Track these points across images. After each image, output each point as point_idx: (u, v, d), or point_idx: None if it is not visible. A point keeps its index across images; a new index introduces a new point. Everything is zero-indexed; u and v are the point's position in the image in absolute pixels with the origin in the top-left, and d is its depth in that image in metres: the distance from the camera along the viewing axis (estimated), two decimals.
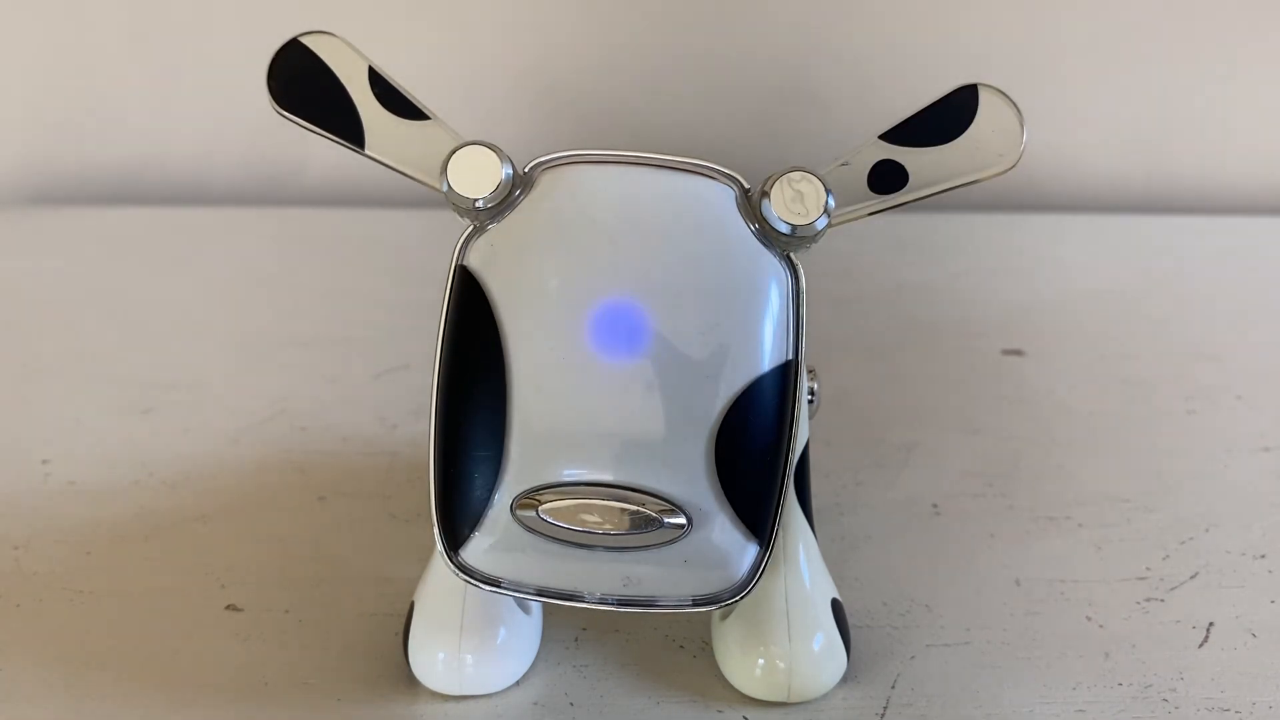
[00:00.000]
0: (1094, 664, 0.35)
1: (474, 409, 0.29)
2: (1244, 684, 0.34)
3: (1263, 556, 0.40)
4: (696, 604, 0.30)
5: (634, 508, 0.28)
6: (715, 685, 0.34)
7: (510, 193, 0.29)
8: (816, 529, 0.35)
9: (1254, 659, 0.35)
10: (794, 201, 0.28)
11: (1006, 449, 0.47)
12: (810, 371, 0.33)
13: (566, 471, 0.28)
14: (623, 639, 0.36)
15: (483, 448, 0.29)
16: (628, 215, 0.28)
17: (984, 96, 0.30)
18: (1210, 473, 0.45)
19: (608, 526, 0.28)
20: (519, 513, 0.29)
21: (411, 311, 0.58)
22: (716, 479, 0.29)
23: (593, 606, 0.30)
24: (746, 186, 0.29)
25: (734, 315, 0.28)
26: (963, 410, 0.50)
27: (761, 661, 0.32)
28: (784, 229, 0.28)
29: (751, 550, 0.30)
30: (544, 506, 0.28)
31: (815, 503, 0.35)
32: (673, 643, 0.35)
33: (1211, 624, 0.36)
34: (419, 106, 0.30)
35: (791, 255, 0.29)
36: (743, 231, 0.29)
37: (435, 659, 0.33)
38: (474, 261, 0.29)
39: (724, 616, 0.34)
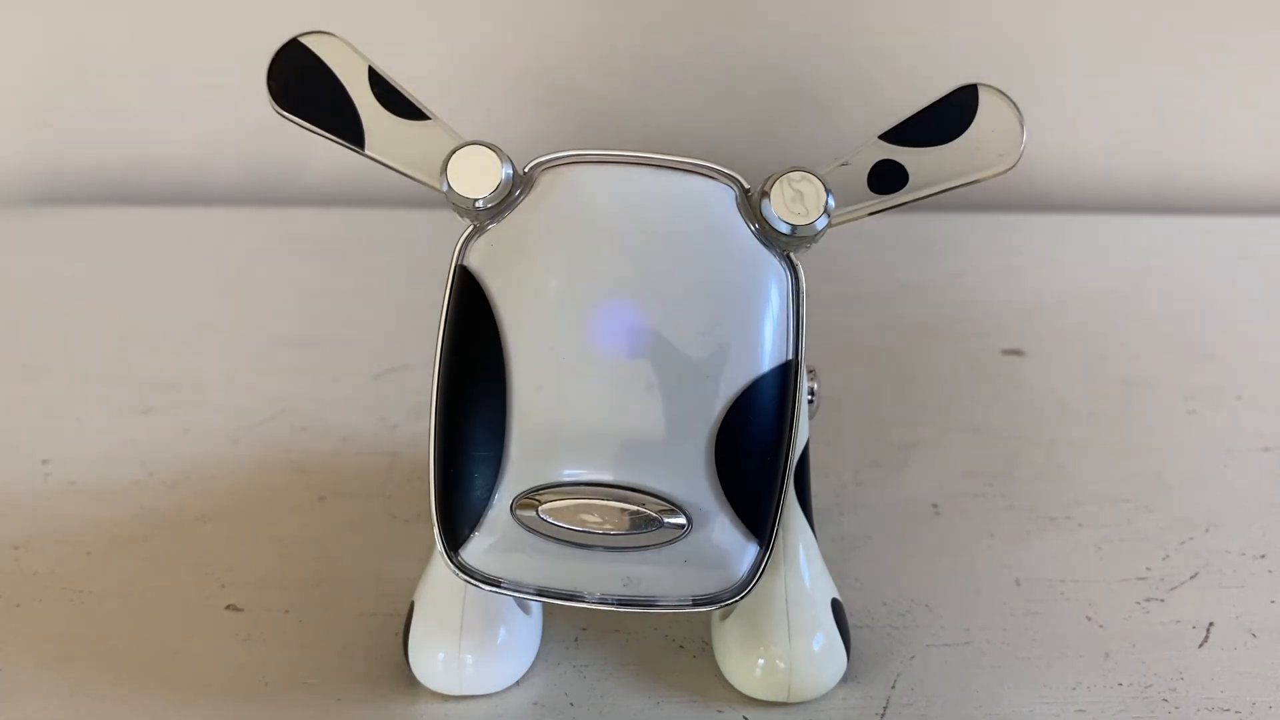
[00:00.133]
0: (1094, 664, 0.35)
1: (474, 409, 0.29)
2: (1244, 684, 0.34)
3: (1263, 556, 0.40)
4: (696, 604, 0.30)
5: (634, 508, 0.28)
6: (715, 685, 0.34)
7: (510, 193, 0.29)
8: (816, 529, 0.35)
9: (1254, 659, 0.35)
10: (794, 201, 0.28)
11: (1006, 449, 0.47)
12: (810, 371, 0.33)
13: (566, 471, 0.28)
14: (623, 639, 0.36)
15: (483, 448, 0.29)
16: (628, 215, 0.28)
17: (984, 96, 0.30)
18: (1210, 473, 0.45)
19: (608, 526, 0.28)
20: (519, 513, 0.29)
21: (411, 311, 0.58)
22: (716, 479, 0.29)
23: (593, 606, 0.30)
24: (746, 186, 0.29)
25: (734, 315, 0.28)
26: (963, 410, 0.50)
27: (761, 661, 0.32)
28: (784, 229, 0.28)
29: (751, 550, 0.30)
30: (544, 506, 0.28)
31: (815, 503, 0.35)
32: (673, 643, 0.35)
33: (1211, 624, 0.36)
34: (419, 106, 0.30)
35: (791, 255, 0.29)
36: (743, 231, 0.29)
37: (435, 659, 0.33)
38: (474, 261, 0.29)
39: (724, 616, 0.34)
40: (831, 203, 0.28)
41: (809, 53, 0.75)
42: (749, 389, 0.28)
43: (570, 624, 0.36)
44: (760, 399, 0.29)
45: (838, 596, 0.35)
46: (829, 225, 0.28)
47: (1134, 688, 0.34)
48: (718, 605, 0.30)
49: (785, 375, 0.29)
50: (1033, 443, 0.47)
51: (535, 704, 0.33)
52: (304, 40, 0.30)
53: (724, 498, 0.29)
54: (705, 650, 0.35)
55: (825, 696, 0.33)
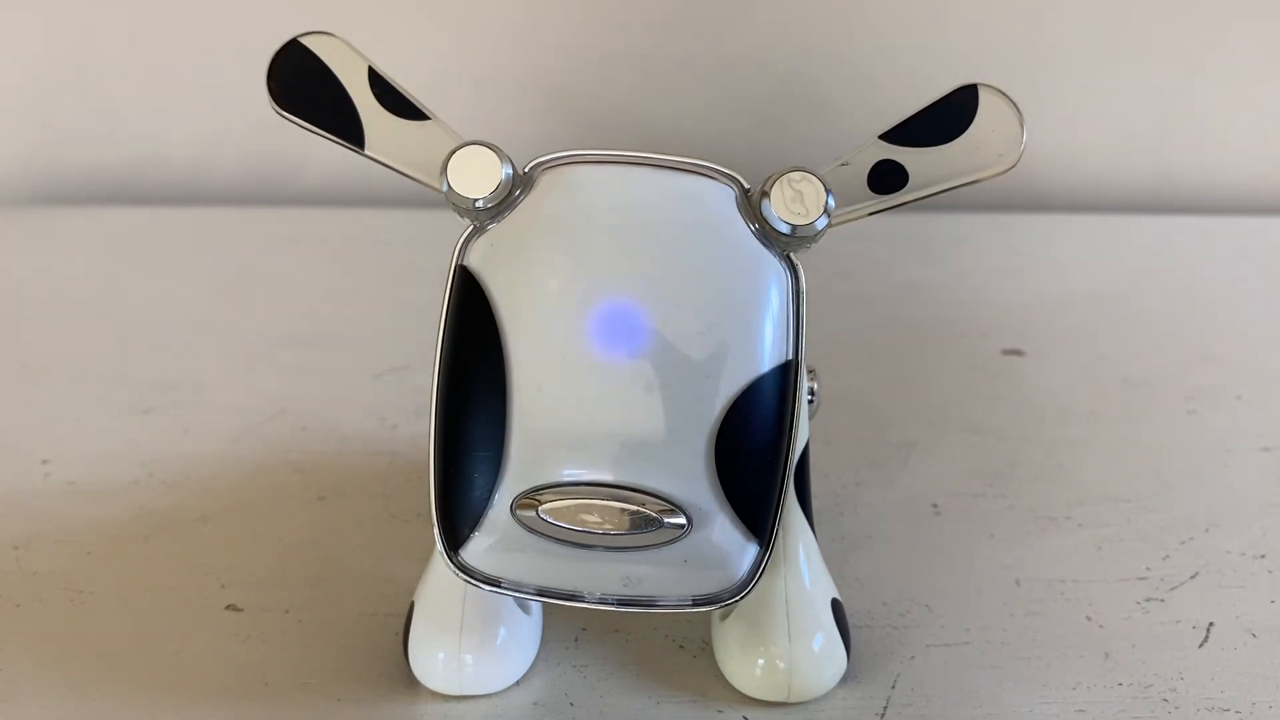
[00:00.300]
0: (1094, 664, 0.35)
1: (474, 409, 0.29)
2: (1244, 684, 0.34)
3: (1263, 556, 0.40)
4: (696, 604, 0.30)
5: (634, 508, 0.28)
6: (715, 685, 0.34)
7: (510, 193, 0.29)
8: (816, 529, 0.35)
9: (1254, 659, 0.35)
10: (794, 201, 0.28)
11: (1006, 449, 0.47)
12: (810, 371, 0.33)
13: (566, 471, 0.28)
14: (623, 639, 0.36)
15: (483, 448, 0.29)
16: (628, 215, 0.28)
17: (984, 96, 0.30)
18: (1210, 473, 0.45)
19: (608, 526, 0.28)
20: (519, 513, 0.29)
21: (411, 311, 0.58)
22: (716, 479, 0.29)
23: (593, 606, 0.30)
24: (746, 186, 0.29)
25: (734, 315, 0.28)
26: (963, 410, 0.50)
27: (761, 661, 0.32)
28: (784, 229, 0.28)
29: (751, 550, 0.30)
30: (544, 506, 0.28)
31: (815, 503, 0.35)
32: (673, 643, 0.35)
33: (1211, 624, 0.36)
34: (419, 107, 0.30)
35: (791, 255, 0.29)
36: (743, 231, 0.29)
37: (435, 659, 0.33)
38: (474, 261, 0.29)
39: (724, 616, 0.34)
40: (831, 203, 0.28)
41: (809, 53, 0.75)
42: (749, 389, 0.28)
43: (570, 624, 0.36)
44: (760, 399, 0.29)
45: (838, 596, 0.35)
46: (829, 225, 0.28)
47: (1134, 688, 0.34)
48: (718, 605, 0.30)
49: (785, 375, 0.29)
50: (1033, 443, 0.47)
51: (535, 704, 0.33)
52: (304, 40, 0.30)
53: (724, 498, 0.29)
54: (705, 650, 0.35)
55: (825, 696, 0.33)
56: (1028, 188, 0.77)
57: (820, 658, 0.33)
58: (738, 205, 0.29)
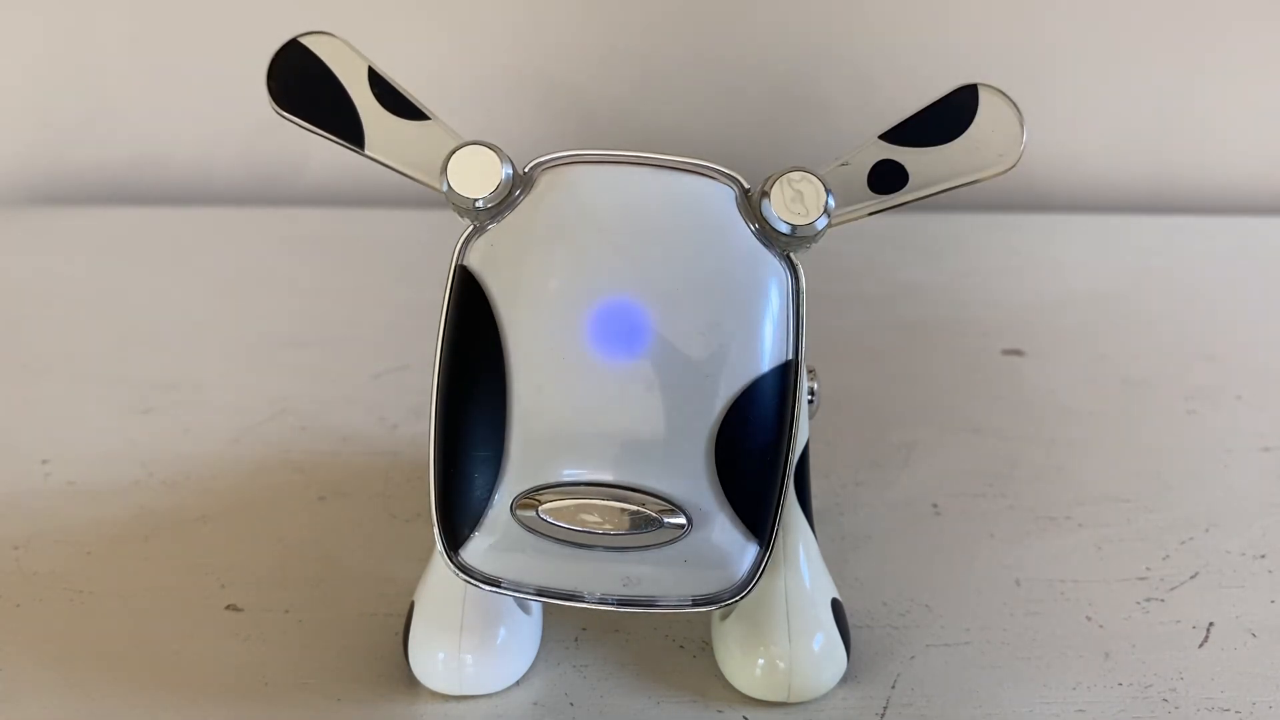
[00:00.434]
0: (1094, 664, 0.35)
1: (474, 409, 0.29)
2: (1244, 684, 0.34)
3: (1263, 556, 0.40)
4: (696, 604, 0.30)
5: (634, 508, 0.28)
6: (715, 685, 0.34)
7: (510, 193, 0.29)
8: (816, 529, 0.35)
9: (1254, 659, 0.35)
10: (794, 201, 0.28)
11: (1006, 449, 0.47)
12: (810, 371, 0.33)
13: (566, 471, 0.28)
14: (623, 639, 0.36)
15: (483, 448, 0.29)
16: (628, 215, 0.28)
17: (984, 96, 0.30)
18: (1210, 473, 0.45)
19: (608, 526, 0.28)
20: (519, 513, 0.29)
21: (411, 311, 0.58)
22: (716, 479, 0.29)
23: (593, 606, 0.30)
24: (746, 186, 0.29)
25: (734, 315, 0.28)
26: (963, 410, 0.50)
27: (761, 661, 0.32)
28: (784, 229, 0.28)
29: (751, 550, 0.29)
30: (544, 506, 0.28)
31: (815, 503, 0.35)
32: (673, 643, 0.35)
33: (1211, 624, 0.36)
34: (419, 107, 0.30)
35: (791, 255, 0.29)
36: (743, 231, 0.29)
37: (435, 659, 0.33)
38: (474, 261, 0.29)
39: (724, 616, 0.34)
40: (831, 203, 0.28)
41: (809, 53, 0.75)
42: (749, 389, 0.28)
43: (570, 624, 0.36)
44: (760, 399, 0.29)
45: (838, 596, 0.35)
46: (829, 225, 0.28)
47: (1134, 688, 0.34)
48: (718, 605, 0.30)
49: (785, 375, 0.29)
50: (1033, 443, 0.47)
51: (535, 704, 0.33)
52: (304, 40, 0.30)
53: (724, 498, 0.29)
54: (705, 650, 0.35)
55: (825, 696, 0.33)
56: (1028, 188, 0.77)
57: (820, 658, 0.33)
58: (738, 205, 0.29)
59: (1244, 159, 0.78)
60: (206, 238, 0.71)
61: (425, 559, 0.35)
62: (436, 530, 0.29)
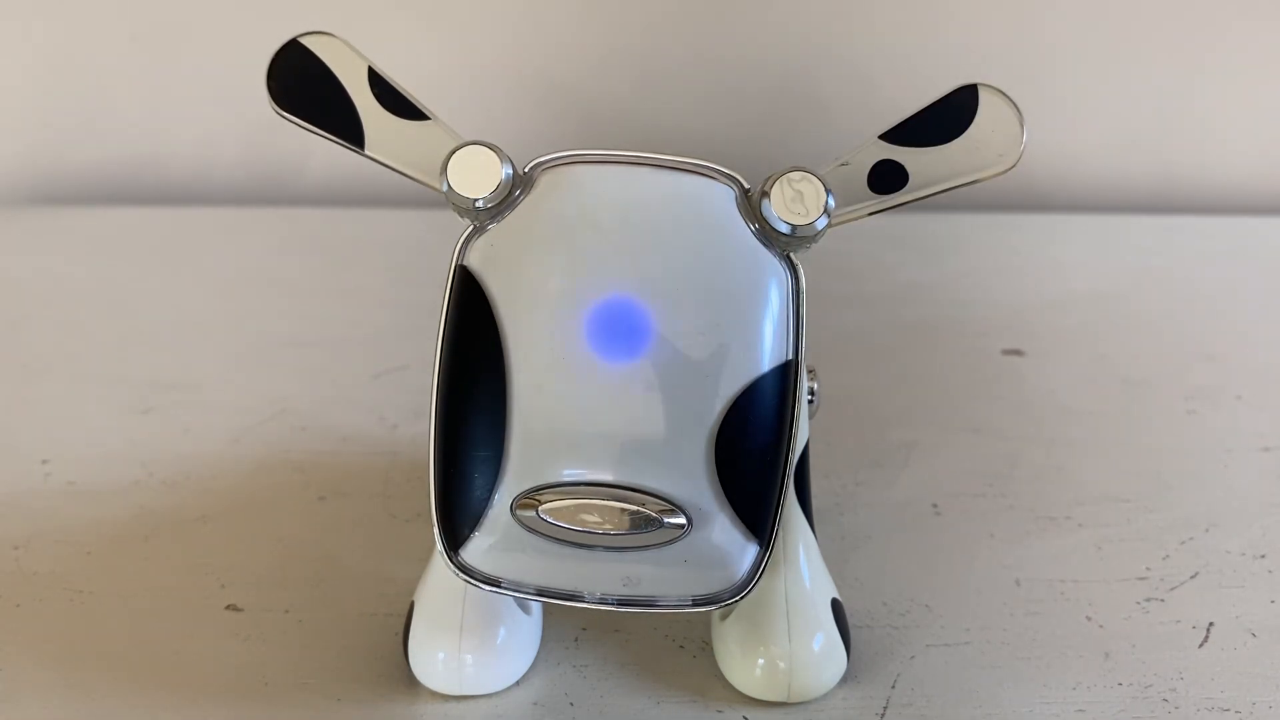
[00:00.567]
0: (1094, 664, 0.35)
1: (474, 409, 0.29)
2: (1244, 684, 0.34)
3: (1263, 556, 0.40)
4: (696, 604, 0.30)
5: (634, 508, 0.28)
6: (715, 685, 0.34)
7: (510, 193, 0.29)
8: (816, 529, 0.35)
9: (1254, 659, 0.35)
10: (794, 201, 0.28)
11: (1006, 449, 0.47)
12: (810, 371, 0.33)
13: (566, 471, 0.28)
14: (623, 639, 0.36)
15: (483, 448, 0.29)
16: (628, 215, 0.28)
17: (984, 96, 0.30)
18: (1210, 473, 0.45)
19: (608, 526, 0.28)
20: (519, 513, 0.29)
21: (411, 311, 0.58)
22: (716, 479, 0.29)
23: (593, 606, 0.30)
24: (746, 186, 0.29)
25: (734, 315, 0.28)
26: (963, 410, 0.50)
27: (761, 661, 0.32)
28: (784, 229, 0.28)
29: (751, 550, 0.30)
30: (544, 506, 0.28)
31: (815, 503, 0.35)
32: (673, 643, 0.35)
33: (1211, 624, 0.36)
34: (419, 107, 0.30)
35: (791, 255, 0.29)
36: (743, 231, 0.29)
37: (435, 659, 0.33)
38: (474, 261, 0.29)
39: (724, 616, 0.34)
40: (831, 203, 0.28)
41: (809, 53, 0.75)
42: (749, 389, 0.28)
43: (570, 624, 0.36)
44: (760, 399, 0.29)
45: (838, 596, 0.35)
46: (829, 225, 0.28)
47: (1134, 688, 0.34)
48: (718, 605, 0.30)
49: (785, 375, 0.29)
50: (1033, 443, 0.47)
51: (535, 704, 0.33)
52: (304, 40, 0.30)
53: (724, 498, 0.29)
54: (705, 650, 0.35)
55: (825, 696, 0.33)
56: (1028, 188, 0.77)
57: (820, 658, 0.33)
58: (738, 205, 0.29)
59: (1244, 159, 0.78)
60: (206, 238, 0.71)
61: (425, 559, 0.35)
62: (436, 530, 0.29)
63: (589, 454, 0.28)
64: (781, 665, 0.32)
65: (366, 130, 0.30)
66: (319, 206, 0.76)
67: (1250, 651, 0.35)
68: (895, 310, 0.61)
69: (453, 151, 0.28)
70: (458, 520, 0.29)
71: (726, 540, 0.29)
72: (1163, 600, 0.38)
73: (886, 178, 0.29)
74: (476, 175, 0.28)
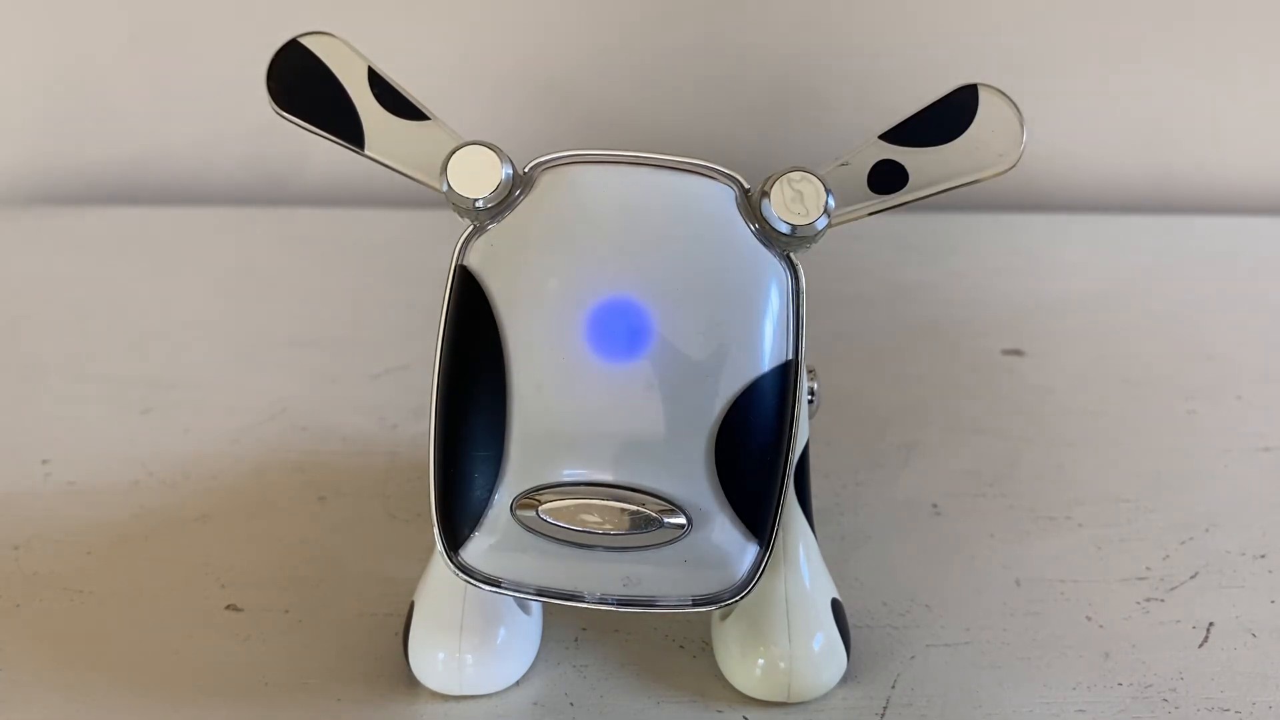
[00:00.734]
0: (1094, 664, 0.35)
1: (474, 409, 0.29)
2: (1244, 684, 0.34)
3: (1263, 556, 0.40)
4: (696, 604, 0.30)
5: (634, 508, 0.28)
6: (715, 685, 0.34)
7: (510, 193, 0.29)
8: (816, 529, 0.35)
9: (1254, 659, 0.35)
10: (794, 201, 0.28)
11: (1006, 449, 0.47)
12: (810, 371, 0.33)
13: (566, 471, 0.28)
14: (623, 639, 0.36)
15: (483, 448, 0.29)
16: (628, 215, 0.28)
17: (984, 96, 0.30)
18: (1210, 473, 0.45)
19: (608, 526, 0.28)
20: (519, 513, 0.29)
21: (411, 311, 0.58)
22: (716, 479, 0.29)
23: (593, 606, 0.30)
24: (746, 186, 0.29)
25: (734, 315, 0.28)
26: (963, 410, 0.50)
27: (761, 661, 0.32)
28: (784, 229, 0.28)
29: (751, 550, 0.30)
30: (544, 506, 0.28)
31: (815, 503, 0.35)
32: (673, 643, 0.35)
33: (1211, 624, 0.36)
34: (418, 107, 0.30)
35: (791, 255, 0.29)
36: (743, 231, 0.29)
37: (435, 659, 0.33)
38: (474, 261, 0.29)
39: (724, 616, 0.34)
40: (831, 203, 0.28)
41: (809, 53, 0.75)
42: (749, 389, 0.28)
43: (570, 624, 0.36)
44: (760, 399, 0.29)
45: (838, 596, 0.35)
46: (829, 225, 0.28)
47: (1134, 688, 0.34)
48: (718, 605, 0.30)
49: (785, 375, 0.29)
50: (1033, 443, 0.47)
51: (535, 704, 0.33)
52: (303, 41, 0.30)
53: (724, 498, 0.29)
54: (705, 650, 0.35)
55: (825, 696, 0.33)
56: (1028, 188, 0.77)
57: (820, 658, 0.33)
58: (738, 205, 0.29)
59: (1244, 159, 0.78)
60: (206, 238, 0.71)
61: (425, 559, 0.35)
62: (436, 530, 0.29)
63: (589, 454, 0.28)
64: (781, 665, 0.32)
65: (366, 130, 0.30)
66: (319, 206, 0.76)
67: (1250, 651, 0.35)
68: (895, 310, 0.61)
69: (453, 151, 0.28)
70: (458, 520, 0.29)
71: (726, 540, 0.29)
72: (1163, 600, 0.38)
73: (886, 178, 0.29)
74: (476, 175, 0.28)
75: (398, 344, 0.56)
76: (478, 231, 0.29)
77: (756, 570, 0.30)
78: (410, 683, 0.33)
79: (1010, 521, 0.42)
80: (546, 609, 0.35)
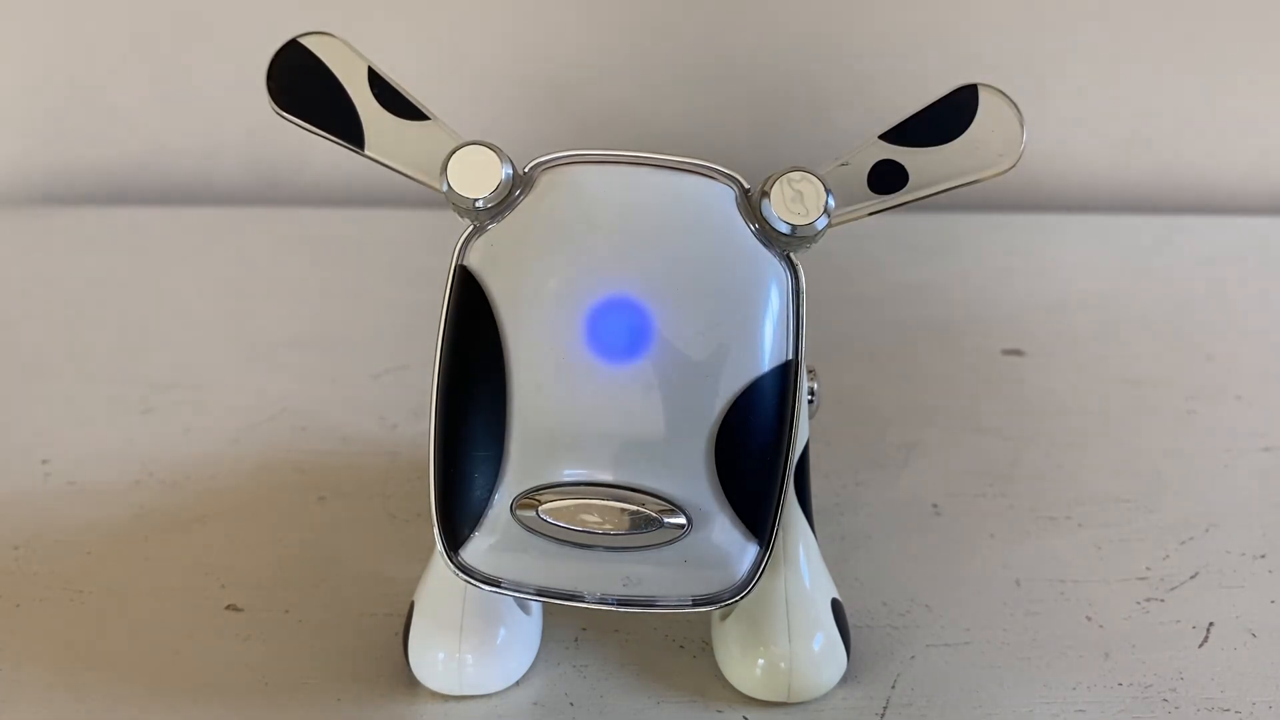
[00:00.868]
0: (1094, 664, 0.35)
1: (474, 409, 0.29)
2: (1244, 684, 0.34)
3: (1263, 556, 0.40)
4: (696, 604, 0.30)
5: (634, 508, 0.28)
6: (715, 685, 0.34)
7: (510, 193, 0.29)
8: (816, 529, 0.35)
9: (1254, 659, 0.35)
10: (794, 201, 0.28)
11: (1006, 449, 0.47)
12: (810, 371, 0.33)
13: (566, 471, 0.28)
14: (623, 639, 0.36)
15: (483, 448, 0.29)
16: (628, 215, 0.28)
17: (984, 96, 0.29)
18: (1210, 473, 0.45)
19: (608, 526, 0.28)
20: (519, 513, 0.29)
21: (411, 311, 0.58)
22: (716, 479, 0.29)
23: (593, 606, 0.30)
24: (746, 186, 0.29)
25: (734, 315, 0.28)
26: (963, 410, 0.50)
27: (761, 661, 0.32)
28: (784, 229, 0.28)
29: (751, 550, 0.30)
30: (544, 506, 0.28)
31: (815, 503, 0.35)
32: (673, 643, 0.35)
33: (1211, 624, 0.36)
34: (418, 107, 0.30)
35: (791, 255, 0.29)
36: (743, 231, 0.29)
37: (435, 659, 0.33)
38: (474, 261, 0.29)
39: (724, 616, 0.34)
40: (831, 203, 0.28)
41: (809, 53, 0.75)
42: (749, 389, 0.28)
43: (570, 624, 0.36)
44: (760, 399, 0.29)
45: (838, 596, 0.35)
46: (829, 225, 0.28)
47: (1134, 688, 0.34)
48: (718, 605, 0.30)
49: (785, 375, 0.29)
50: (1033, 443, 0.47)
51: (535, 704, 0.33)
52: (303, 41, 0.30)
53: (724, 498, 0.29)
54: (705, 650, 0.35)
55: (825, 696, 0.33)
56: (1028, 188, 0.77)
57: (820, 658, 0.33)
58: (738, 205, 0.29)
59: (1244, 159, 0.78)
60: (206, 238, 0.71)
61: (425, 559, 0.35)
62: (436, 530, 0.29)
63: (589, 454, 0.28)
64: (781, 665, 0.32)
65: (366, 130, 0.30)
66: (319, 206, 0.76)
67: (1250, 651, 0.35)
68: (895, 310, 0.61)
69: (453, 151, 0.28)
70: (458, 520, 0.29)
71: (726, 540, 0.29)
72: (1163, 600, 0.38)
73: (886, 178, 0.29)
74: (476, 175, 0.28)
75: (398, 344, 0.56)
76: (478, 231, 0.29)
77: (756, 570, 0.30)
78: (410, 683, 0.33)
79: (1010, 521, 0.42)
80: (546, 609, 0.35)
